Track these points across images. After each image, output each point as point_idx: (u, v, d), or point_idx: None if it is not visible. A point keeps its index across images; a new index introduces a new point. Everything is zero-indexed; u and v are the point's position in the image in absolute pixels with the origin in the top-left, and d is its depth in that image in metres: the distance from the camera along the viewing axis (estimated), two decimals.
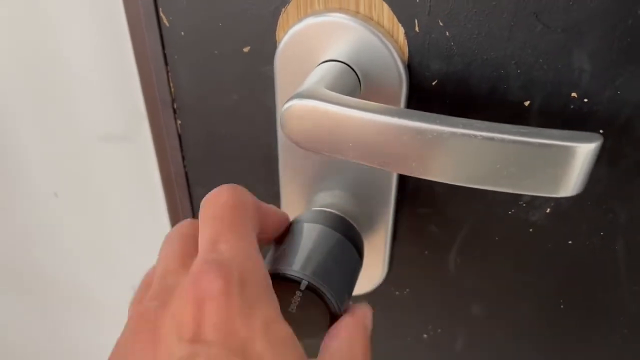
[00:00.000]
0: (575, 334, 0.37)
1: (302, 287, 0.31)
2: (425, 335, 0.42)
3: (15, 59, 0.48)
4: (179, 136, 0.40)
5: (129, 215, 0.54)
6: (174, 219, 0.47)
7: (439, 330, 0.42)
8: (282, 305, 0.32)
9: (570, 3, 0.26)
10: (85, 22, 0.43)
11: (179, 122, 0.39)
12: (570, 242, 0.33)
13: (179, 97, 0.38)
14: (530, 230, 0.34)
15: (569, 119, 0.29)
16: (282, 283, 0.31)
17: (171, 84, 0.38)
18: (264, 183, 0.40)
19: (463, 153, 0.26)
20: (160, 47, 0.36)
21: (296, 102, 0.27)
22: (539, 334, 0.38)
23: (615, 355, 0.37)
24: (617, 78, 0.27)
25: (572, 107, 0.29)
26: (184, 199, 0.43)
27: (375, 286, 0.41)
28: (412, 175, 0.28)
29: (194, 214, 0.44)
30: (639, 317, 0.35)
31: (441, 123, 0.26)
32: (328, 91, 0.28)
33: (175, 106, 0.39)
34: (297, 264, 0.32)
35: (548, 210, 0.33)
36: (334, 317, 0.32)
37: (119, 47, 0.43)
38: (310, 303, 0.32)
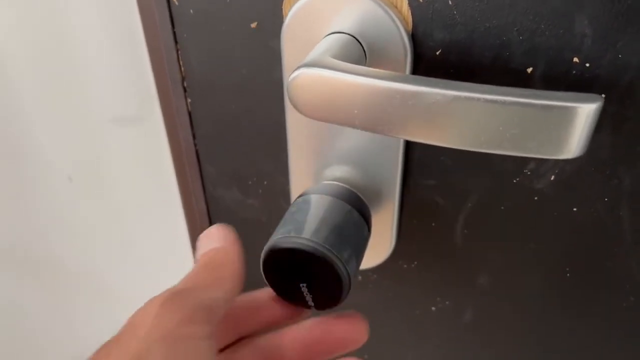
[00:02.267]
0: (582, 303, 0.38)
1: (315, 254, 0.32)
2: (433, 308, 0.43)
3: (26, 43, 0.49)
4: (189, 114, 0.41)
5: (142, 199, 0.55)
6: (186, 199, 0.48)
7: (447, 302, 0.42)
8: (295, 271, 0.33)
9: None
10: (97, 6, 0.44)
11: (189, 100, 0.40)
12: (575, 209, 0.34)
13: (188, 75, 0.39)
14: (536, 198, 0.34)
15: (571, 84, 0.29)
16: (295, 250, 0.32)
17: (181, 62, 0.39)
18: (274, 158, 0.40)
19: (466, 116, 0.27)
20: (170, 26, 0.37)
21: (302, 72, 0.28)
22: (546, 303, 0.39)
23: (622, 322, 0.37)
24: (618, 42, 0.27)
25: (574, 72, 0.29)
26: (195, 176, 0.44)
27: (383, 259, 0.41)
28: (417, 140, 0.28)
29: (205, 193, 0.45)
30: None
31: (444, 87, 0.26)
32: (333, 60, 0.29)
33: (185, 84, 0.40)
34: (308, 232, 0.33)
35: (552, 178, 0.33)
36: (343, 285, 0.33)
37: (130, 29, 0.44)
38: (320, 271, 0.32)
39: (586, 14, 0.27)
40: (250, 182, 0.43)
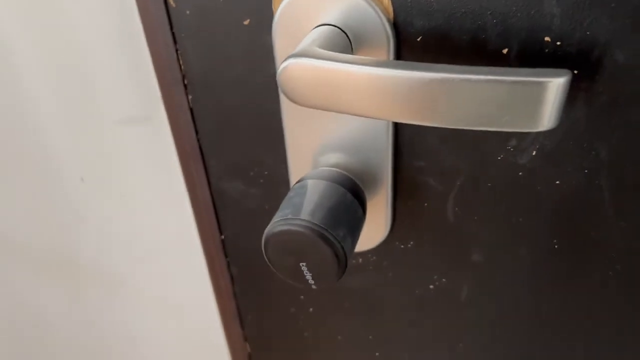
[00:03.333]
0: (571, 272, 0.39)
1: (311, 234, 0.34)
2: (431, 286, 0.45)
3: (37, 50, 0.51)
4: (191, 110, 0.43)
5: (150, 194, 0.57)
6: (192, 193, 0.50)
7: (444, 279, 0.44)
8: (294, 251, 0.35)
9: None
10: (101, 14, 0.47)
11: (190, 97, 0.43)
12: (557, 182, 0.36)
13: (188, 73, 0.41)
14: (520, 173, 0.36)
15: (545, 62, 0.31)
16: (292, 232, 0.34)
17: (180, 61, 0.41)
18: (272, 148, 0.42)
19: (445, 96, 0.29)
20: (168, 27, 0.39)
21: (290, 62, 0.30)
22: (537, 275, 0.41)
23: (610, 290, 0.39)
24: (584, 19, 0.29)
25: (546, 50, 0.31)
26: (199, 169, 0.46)
27: (380, 241, 0.43)
28: (402, 121, 0.30)
29: (210, 185, 0.47)
30: (629, 252, 0.37)
31: (423, 69, 0.28)
32: (319, 49, 0.31)
33: (185, 82, 0.42)
34: (304, 214, 0.35)
35: (534, 153, 0.35)
36: (340, 263, 0.35)
37: (131, 33, 0.46)
38: (318, 250, 0.34)
39: None
40: (252, 173, 0.45)
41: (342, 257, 0.35)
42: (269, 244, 0.36)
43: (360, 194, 0.38)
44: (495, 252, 0.41)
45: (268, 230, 0.36)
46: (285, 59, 0.30)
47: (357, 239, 0.37)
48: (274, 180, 0.45)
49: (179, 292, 0.66)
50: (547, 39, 0.31)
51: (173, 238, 0.59)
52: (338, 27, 0.34)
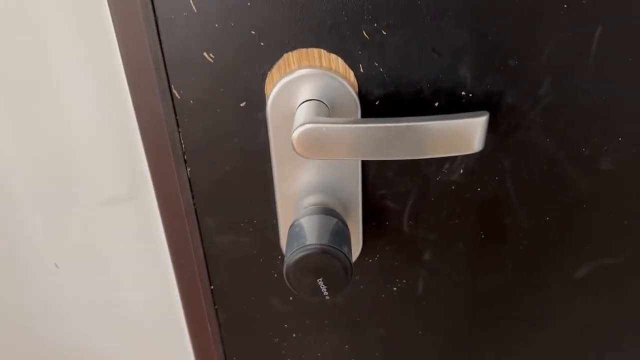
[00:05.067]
0: (493, 254, 0.55)
1: (323, 251, 0.45)
2: (394, 288, 0.58)
3: (17, 125, 0.56)
4: (189, 180, 0.52)
5: (133, 281, 0.63)
6: (178, 261, 0.58)
7: (404, 280, 0.57)
8: (312, 271, 0.45)
9: (452, 40, 0.44)
10: (90, 98, 0.54)
11: (188, 169, 0.52)
12: (479, 189, 0.51)
13: (188, 150, 0.51)
14: (453, 187, 0.51)
15: (464, 109, 0.47)
16: (310, 255, 0.45)
17: (182, 142, 0.50)
18: (262, 200, 0.53)
19: (403, 138, 0.42)
20: (173, 115, 0.49)
21: (306, 127, 0.42)
22: (472, 260, 0.55)
23: (522, 262, 0.55)
24: (486, 78, 0.45)
25: (464, 101, 0.47)
26: (194, 232, 0.55)
27: (355, 258, 0.56)
28: (380, 158, 0.44)
29: (206, 255, 0.56)
30: (530, 236, 0.53)
31: (384, 122, 0.42)
32: (319, 117, 0.43)
33: (185, 158, 0.51)
34: (314, 240, 0.46)
35: (461, 171, 0.50)
36: (349, 271, 0.46)
37: (122, 119, 0.54)
38: (331, 264, 0.45)
39: (465, 64, 0.45)
40: (242, 224, 0.55)
41: (349, 267, 0.46)
42: (290, 271, 0.46)
43: (344, 221, 0.51)
44: (440, 250, 0.55)
45: (288, 260, 0.46)
46: (300, 125, 0.42)
47: (352, 254, 0.49)
48: (262, 226, 0.55)
49: None
50: (463, 93, 0.46)
51: (159, 318, 0.64)
52: (319, 100, 0.47)
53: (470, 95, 0.46)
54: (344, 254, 0.46)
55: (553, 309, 0.58)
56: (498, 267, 0.56)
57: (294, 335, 0.62)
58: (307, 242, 0.46)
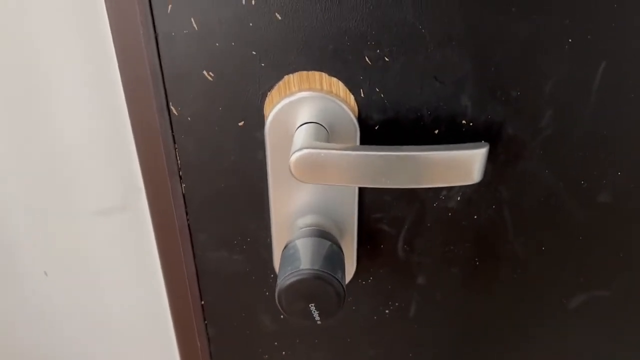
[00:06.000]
0: (487, 281, 0.55)
1: (319, 279, 0.44)
2: (387, 311, 0.57)
3: (11, 134, 0.55)
4: (184, 195, 0.52)
5: (123, 292, 0.62)
6: (169, 274, 0.57)
7: (397, 303, 0.57)
8: (304, 296, 0.45)
9: (454, 68, 0.43)
10: (89, 111, 0.53)
11: (183, 185, 0.51)
12: (475, 217, 0.51)
13: (184, 166, 0.50)
14: (449, 214, 0.51)
15: (463, 137, 0.46)
16: (303, 280, 0.44)
17: (178, 159, 0.50)
18: (256, 218, 0.52)
19: (402, 166, 0.42)
20: (170, 131, 0.48)
21: (302, 152, 0.42)
22: (466, 286, 0.55)
23: (514, 289, 0.55)
24: (487, 107, 0.45)
25: (464, 129, 0.46)
26: (187, 247, 0.54)
27: (349, 280, 0.55)
28: (377, 186, 0.43)
29: (197, 270, 0.55)
30: (525, 265, 0.53)
31: (389, 150, 0.42)
32: (318, 142, 0.43)
33: (181, 174, 0.51)
34: (307, 265, 0.45)
35: (459, 198, 0.50)
36: (341, 297, 0.46)
37: (118, 132, 0.53)
38: (323, 290, 0.45)
39: (466, 93, 0.44)
40: (235, 241, 0.54)
41: (342, 293, 0.46)
42: (282, 295, 0.45)
43: (339, 244, 0.50)
44: (434, 275, 0.55)
45: (281, 283, 0.45)
46: (297, 150, 0.42)
47: (345, 278, 0.49)
48: (256, 245, 0.54)
49: None
50: (464, 122, 0.46)
51: (146, 330, 0.64)
52: (318, 123, 0.46)
53: (471, 124, 0.46)
54: (337, 279, 0.45)
55: (545, 338, 0.58)
56: (491, 294, 0.55)
57: (283, 353, 0.62)
58: (301, 267, 0.46)
